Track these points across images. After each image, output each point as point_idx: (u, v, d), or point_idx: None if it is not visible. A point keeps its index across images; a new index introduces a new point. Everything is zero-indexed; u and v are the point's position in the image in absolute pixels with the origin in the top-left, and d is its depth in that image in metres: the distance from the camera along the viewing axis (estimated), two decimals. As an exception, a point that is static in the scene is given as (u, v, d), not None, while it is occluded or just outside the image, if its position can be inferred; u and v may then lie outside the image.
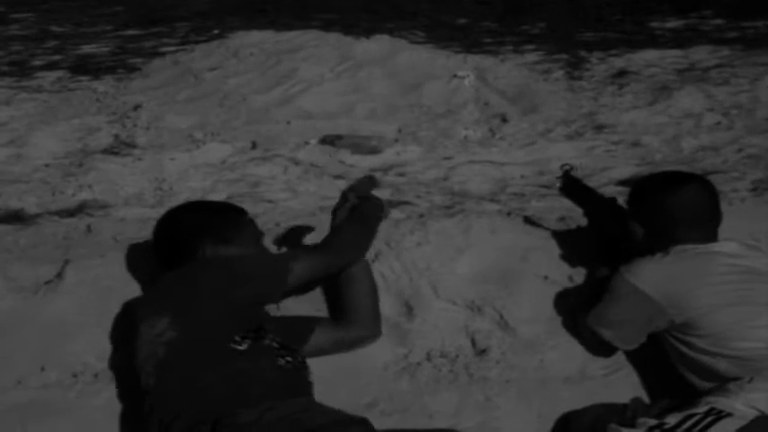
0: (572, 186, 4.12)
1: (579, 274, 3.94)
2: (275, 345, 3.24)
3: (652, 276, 3.41)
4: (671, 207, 3.53)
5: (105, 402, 3.37)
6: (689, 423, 2.97)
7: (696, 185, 3.61)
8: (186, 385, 3.00)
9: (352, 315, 3.59)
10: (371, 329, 3.64)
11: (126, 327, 3.45)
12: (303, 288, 3.63)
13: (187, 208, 3.82)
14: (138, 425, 3.28)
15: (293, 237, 3.99)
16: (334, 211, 3.65)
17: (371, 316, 3.63)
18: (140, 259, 3.78)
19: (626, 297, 3.45)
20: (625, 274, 3.47)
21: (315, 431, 2.62)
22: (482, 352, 3.68)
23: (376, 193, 3.72)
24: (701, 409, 3.03)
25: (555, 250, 4.03)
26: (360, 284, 3.59)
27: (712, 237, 3.54)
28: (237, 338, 3.15)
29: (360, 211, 3.60)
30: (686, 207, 3.52)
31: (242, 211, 3.69)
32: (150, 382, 3.07)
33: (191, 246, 3.47)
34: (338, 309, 3.64)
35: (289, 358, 3.25)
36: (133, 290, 3.67)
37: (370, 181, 3.81)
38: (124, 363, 3.45)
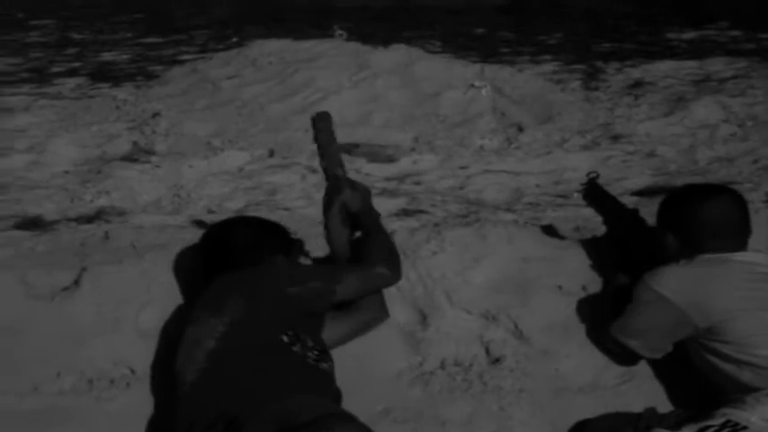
0: (595, 194, 4.13)
1: (593, 285, 3.94)
2: (316, 351, 3.28)
3: (675, 283, 3.42)
4: (702, 217, 3.53)
5: (120, 409, 3.39)
6: None
7: (728, 197, 3.62)
8: (224, 385, 3.01)
9: (360, 300, 3.61)
10: (379, 312, 3.66)
11: (171, 332, 3.49)
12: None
13: (247, 221, 3.88)
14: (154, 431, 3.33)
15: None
16: (331, 221, 3.68)
17: (377, 299, 3.65)
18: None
19: (650, 305, 3.46)
20: (648, 281, 3.47)
21: (299, 427, 2.62)
22: (496, 361, 3.69)
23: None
24: (718, 421, 3.01)
25: (569, 260, 4.03)
26: None
27: (741, 248, 3.55)
28: (284, 338, 3.19)
29: (371, 221, 3.64)
30: (717, 218, 3.52)
31: (287, 230, 3.75)
32: (191, 380, 3.07)
33: (256, 254, 3.51)
34: None
35: (329, 363, 3.30)
36: (150, 297, 3.68)
37: (324, 114, 3.85)
38: (155, 370, 3.50)
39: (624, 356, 3.65)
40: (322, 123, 3.81)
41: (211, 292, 3.34)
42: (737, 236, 3.55)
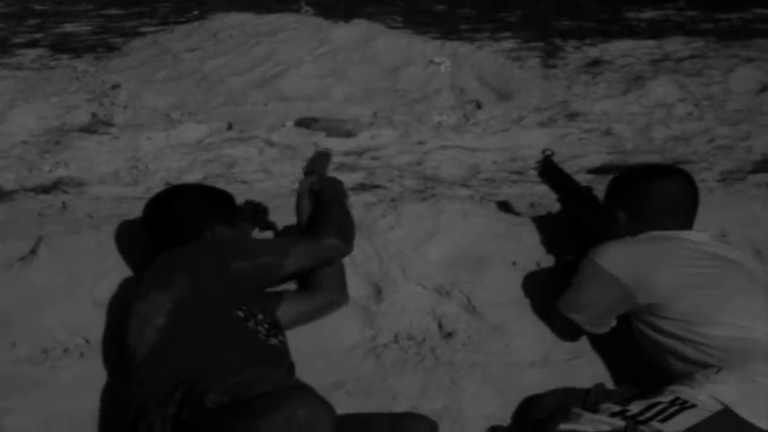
0: (550, 172, 4.17)
1: (547, 261, 3.98)
2: (266, 324, 3.30)
3: (619, 258, 3.47)
4: (652, 194, 3.59)
5: (75, 377, 3.40)
6: (653, 411, 2.98)
7: (680, 178, 3.68)
8: (179, 358, 3.02)
9: (318, 282, 3.63)
10: (338, 295, 3.69)
11: (118, 304, 3.50)
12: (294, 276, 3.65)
13: (191, 189, 3.88)
14: (106, 401, 3.33)
15: (256, 216, 3.99)
16: (299, 196, 3.71)
17: (337, 281, 3.67)
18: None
19: (593, 279, 3.50)
20: (593, 257, 3.52)
21: (255, 398, 2.63)
22: (448, 335, 3.72)
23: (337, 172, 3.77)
24: (667, 398, 3.04)
25: (524, 236, 4.07)
26: None
27: (687, 227, 3.60)
28: (240, 314, 3.22)
29: (332, 197, 3.66)
30: (668, 197, 3.60)
31: (231, 196, 3.76)
32: (142, 354, 3.08)
33: (197, 226, 3.52)
34: (305, 277, 3.66)
35: (281, 338, 3.32)
36: (107, 267, 3.69)
37: (326, 155, 3.87)
38: (106, 341, 3.51)
39: (568, 331, 3.70)
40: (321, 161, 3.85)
41: (156, 268, 3.34)
42: (684, 215, 3.60)
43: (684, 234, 3.54)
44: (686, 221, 3.60)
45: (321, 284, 3.63)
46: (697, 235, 3.55)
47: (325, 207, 3.62)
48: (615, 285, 3.43)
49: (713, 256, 3.46)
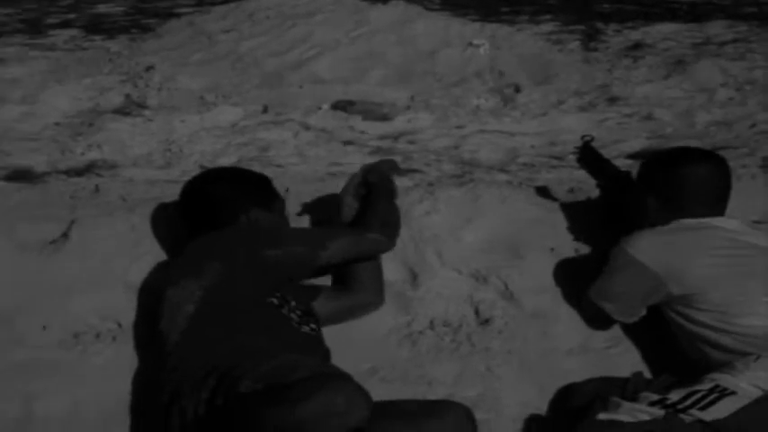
0: (589, 157, 4.11)
1: (586, 247, 3.94)
2: (299, 311, 3.26)
3: (650, 247, 3.42)
4: (684, 180, 3.53)
5: (106, 363, 3.38)
6: (692, 399, 2.95)
7: (712, 162, 3.62)
8: (211, 343, 2.99)
9: (355, 282, 3.58)
10: (375, 296, 3.63)
11: (151, 290, 3.47)
12: (332, 268, 3.62)
13: (227, 173, 3.85)
14: (143, 385, 3.31)
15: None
16: (344, 189, 3.66)
17: (375, 283, 3.63)
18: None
19: (624, 268, 3.46)
20: (624, 245, 3.47)
21: (292, 384, 2.61)
22: (485, 322, 3.68)
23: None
24: (706, 386, 3.01)
25: (563, 222, 4.03)
26: None
27: (719, 214, 3.54)
28: (274, 301, 3.19)
29: (384, 192, 3.62)
30: (699, 182, 3.53)
31: (269, 180, 3.71)
32: (174, 340, 3.06)
33: (233, 210, 3.48)
34: (342, 275, 3.63)
35: (313, 325, 3.29)
36: (140, 251, 3.67)
37: (391, 161, 3.83)
38: (138, 326, 3.49)
39: (598, 319, 3.65)
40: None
41: (189, 254, 3.32)
42: (717, 202, 3.55)
43: (717, 221, 3.48)
44: (718, 208, 3.54)
45: (358, 284, 3.60)
46: (729, 222, 3.50)
47: (374, 202, 3.58)
48: (647, 275, 3.38)
49: (746, 245, 3.42)
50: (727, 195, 3.58)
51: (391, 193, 3.65)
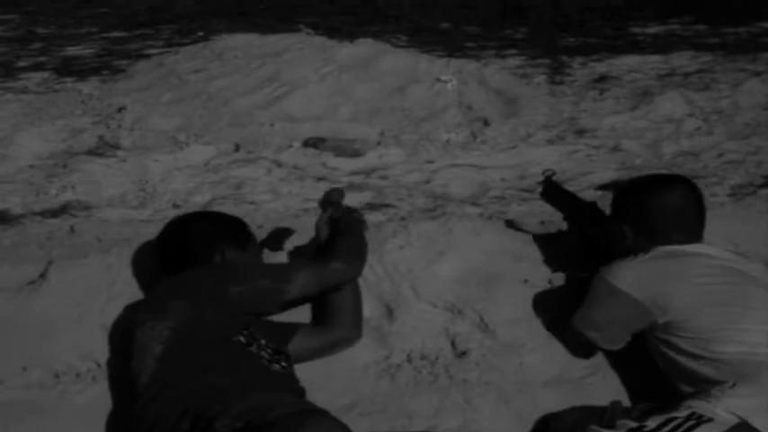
0: (553, 191, 4.14)
1: (559, 278, 3.96)
2: (269, 350, 3.27)
3: (632, 276, 3.43)
4: (657, 207, 3.55)
5: (87, 402, 3.37)
6: (670, 426, 2.95)
7: (682, 187, 3.64)
8: (180, 385, 2.99)
9: (334, 317, 3.59)
10: (353, 332, 3.64)
11: (121, 330, 3.47)
12: (301, 301, 3.62)
13: (202, 216, 3.88)
14: (119, 426, 3.31)
15: (275, 240, 4.00)
16: (317, 226, 3.70)
17: (354, 319, 3.64)
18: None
19: (607, 298, 3.47)
20: (605, 275, 3.48)
21: (273, 422, 2.61)
22: (462, 354, 3.69)
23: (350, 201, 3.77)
24: (683, 413, 3.01)
25: (535, 254, 4.05)
26: (345, 288, 3.61)
27: (696, 239, 3.56)
28: (241, 339, 3.18)
29: (348, 226, 3.65)
30: (672, 208, 3.55)
31: (246, 224, 3.74)
32: (144, 382, 3.06)
33: (208, 250, 3.51)
34: (321, 310, 3.64)
35: (284, 363, 3.29)
36: (116, 291, 3.67)
37: (339, 190, 3.86)
38: (113, 366, 3.48)
39: (583, 348, 3.67)
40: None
41: (156, 294, 3.37)
42: (692, 226, 3.57)
43: (699, 248, 3.51)
44: (695, 233, 3.57)
45: (336, 319, 3.61)
46: (711, 249, 3.52)
47: (338, 234, 3.61)
48: (630, 303, 3.40)
49: (729, 272, 3.42)
50: (702, 219, 3.60)
51: (357, 223, 3.70)
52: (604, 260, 3.59)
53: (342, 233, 3.62)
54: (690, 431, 2.93)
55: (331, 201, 3.79)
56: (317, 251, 3.68)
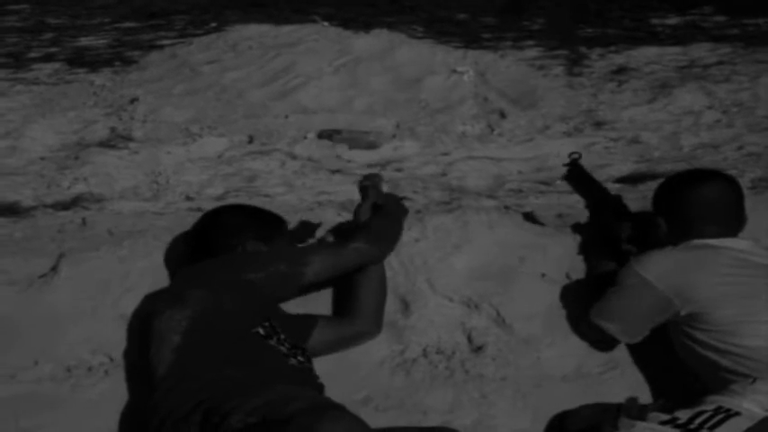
0: (578, 176, 4.11)
1: (576, 272, 3.93)
2: (287, 344, 3.24)
3: (659, 267, 3.43)
4: (690, 200, 3.57)
5: (99, 396, 3.37)
6: (700, 419, 2.98)
7: (719, 182, 3.64)
8: (197, 377, 2.98)
9: (356, 310, 3.58)
10: (373, 327, 3.62)
11: (140, 319, 3.45)
12: (323, 283, 3.62)
13: (236, 208, 3.86)
14: (131, 419, 3.29)
15: (303, 232, 3.97)
16: (357, 209, 3.67)
17: (375, 314, 3.62)
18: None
19: (631, 288, 3.47)
20: (634, 265, 3.49)
21: (288, 418, 2.58)
22: (478, 349, 3.68)
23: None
24: (709, 407, 3.05)
25: (552, 247, 4.02)
26: (372, 281, 3.58)
27: (732, 234, 3.56)
28: (260, 331, 3.17)
29: (386, 209, 3.63)
30: (706, 202, 3.56)
31: (284, 221, 3.73)
32: (161, 374, 3.05)
33: (229, 243, 3.50)
34: (344, 302, 3.64)
35: (301, 358, 3.26)
36: (128, 284, 3.65)
37: (377, 177, 3.84)
38: (129, 355, 3.48)
39: (600, 341, 3.65)
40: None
41: (174, 284, 3.38)
42: (729, 222, 3.56)
43: (727, 242, 3.48)
44: (729, 228, 3.55)
45: (357, 312, 3.59)
46: (739, 243, 3.50)
47: (371, 218, 3.62)
48: (654, 295, 3.39)
49: (754, 265, 3.41)
50: (740, 214, 3.60)
51: (396, 207, 3.73)
52: (620, 257, 3.57)
53: (376, 216, 3.61)
54: (720, 424, 2.97)
55: (370, 186, 3.75)
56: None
